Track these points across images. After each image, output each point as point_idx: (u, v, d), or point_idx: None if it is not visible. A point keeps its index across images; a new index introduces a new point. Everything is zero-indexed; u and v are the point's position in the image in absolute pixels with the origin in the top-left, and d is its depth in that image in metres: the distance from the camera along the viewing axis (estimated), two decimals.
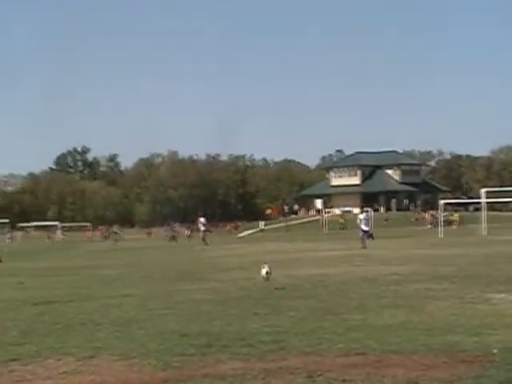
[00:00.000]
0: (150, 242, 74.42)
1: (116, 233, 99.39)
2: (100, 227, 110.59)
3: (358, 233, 42.18)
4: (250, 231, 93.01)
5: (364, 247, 38.25)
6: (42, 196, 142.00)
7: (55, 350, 10.52)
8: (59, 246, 70.99)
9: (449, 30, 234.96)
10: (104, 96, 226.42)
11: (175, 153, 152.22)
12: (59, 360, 9.78)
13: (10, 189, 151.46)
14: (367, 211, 46.50)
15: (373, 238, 42.42)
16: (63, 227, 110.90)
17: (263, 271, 18.42)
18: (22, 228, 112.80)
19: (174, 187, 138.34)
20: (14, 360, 9.88)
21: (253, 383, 7.96)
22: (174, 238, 70.75)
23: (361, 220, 41.56)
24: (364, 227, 40.92)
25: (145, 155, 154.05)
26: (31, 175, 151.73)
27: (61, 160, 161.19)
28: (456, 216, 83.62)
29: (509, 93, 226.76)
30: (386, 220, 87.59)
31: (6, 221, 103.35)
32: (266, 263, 18.85)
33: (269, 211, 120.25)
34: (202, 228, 55.42)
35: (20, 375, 8.96)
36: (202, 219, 55.37)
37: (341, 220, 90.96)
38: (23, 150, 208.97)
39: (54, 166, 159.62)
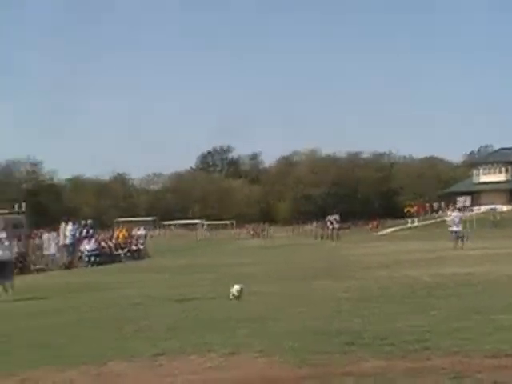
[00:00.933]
0: (294, 240, 74.50)
1: (264, 230, 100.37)
2: (247, 225, 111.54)
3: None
4: (391, 229, 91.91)
5: (456, 247, 36.46)
6: (185, 194, 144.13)
7: (199, 346, 10.67)
8: (203, 244, 71.99)
9: None
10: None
11: (315, 151, 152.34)
12: (203, 356, 9.93)
13: (154, 187, 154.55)
14: (460, 210, 42.83)
15: (462, 240, 37.82)
16: (207, 225, 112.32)
17: (233, 290, 16.71)
18: (166, 226, 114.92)
19: (314, 185, 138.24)
20: (160, 355, 10.10)
21: (396, 382, 7.87)
22: (323, 236, 70.11)
23: (453, 219, 38.99)
24: (455, 227, 38.32)
25: (286, 153, 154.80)
26: (175, 174, 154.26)
27: (204, 159, 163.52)
28: None
29: None
30: (494, 222, 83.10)
31: (152, 218, 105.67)
32: (237, 284, 17.06)
33: (410, 209, 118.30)
34: (336, 226, 55.30)
35: (166, 370, 9.14)
36: (333, 217, 55.31)
37: (492, 218, 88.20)
38: (168, 150, 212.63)
39: (197, 165, 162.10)
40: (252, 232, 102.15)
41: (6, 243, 20.71)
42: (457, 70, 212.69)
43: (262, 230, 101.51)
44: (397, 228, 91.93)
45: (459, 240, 37.02)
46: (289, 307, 14.79)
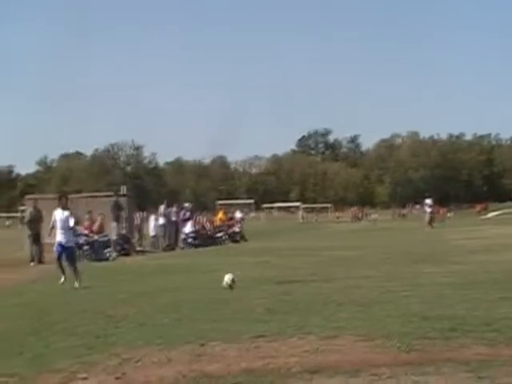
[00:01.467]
0: (395, 223, 73.94)
1: (364, 214, 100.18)
2: (347, 208, 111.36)
3: None
4: (495, 213, 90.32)
5: None
6: (284, 177, 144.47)
7: (298, 328, 10.67)
8: (302, 227, 72.02)
9: None
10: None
11: (416, 133, 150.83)
12: (302, 338, 9.92)
13: (254, 171, 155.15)
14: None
15: None
16: (305, 208, 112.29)
17: (226, 279, 16.00)
18: (266, 208, 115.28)
19: (414, 168, 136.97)
20: (259, 337, 10.13)
21: (501, 370, 7.73)
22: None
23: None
24: None
25: (385, 136, 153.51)
26: (274, 157, 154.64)
27: (303, 142, 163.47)
28: None
29: None
30: None
31: (251, 201, 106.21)
32: (230, 273, 16.42)
33: None
34: (429, 210, 54.59)
35: (265, 351, 9.17)
36: (428, 201, 54.60)
37: None
38: (267, 133, 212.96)
39: (296, 148, 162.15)
40: (353, 215, 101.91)
41: (72, 229, 19.90)
42: None
43: (363, 214, 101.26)
44: (502, 212, 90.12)
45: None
46: (391, 292, 14.67)
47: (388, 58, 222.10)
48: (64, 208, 19.55)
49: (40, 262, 28.00)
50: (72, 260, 19.29)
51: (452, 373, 7.67)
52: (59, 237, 19.21)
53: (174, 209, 39.50)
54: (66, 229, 19.30)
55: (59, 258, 19.20)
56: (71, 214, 19.64)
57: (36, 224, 29.39)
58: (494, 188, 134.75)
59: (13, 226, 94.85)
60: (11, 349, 9.83)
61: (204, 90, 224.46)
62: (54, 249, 19.49)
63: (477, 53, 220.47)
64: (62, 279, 19.00)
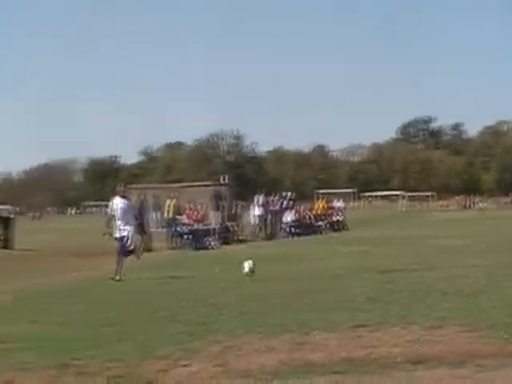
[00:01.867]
0: (503, 212, 72.72)
1: (471, 202, 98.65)
2: (452, 197, 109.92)
3: None
4: None
5: None
6: (385, 165, 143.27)
7: (400, 317, 10.60)
8: (404, 216, 71.40)
9: None
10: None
11: None
12: (404, 328, 9.84)
13: (355, 159, 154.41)
14: None
15: None
16: (407, 196, 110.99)
17: (246, 267, 15.64)
18: (366, 197, 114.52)
19: None
20: (361, 326, 10.09)
21: None
22: None
23: None
24: None
25: (491, 123, 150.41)
26: (375, 145, 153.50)
27: (405, 129, 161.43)
28: None
29: None
30: None
31: (351, 191, 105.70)
32: (250, 259, 16.01)
33: None
34: None
35: (367, 341, 9.11)
36: None
37: None
38: (367, 121, 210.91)
39: (397, 136, 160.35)
40: (459, 204, 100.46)
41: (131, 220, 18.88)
42: None
43: (470, 202, 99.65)
44: None
45: None
46: (498, 281, 14.43)
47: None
48: (124, 197, 18.91)
49: (148, 250, 28.31)
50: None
51: None
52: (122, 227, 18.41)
53: (275, 198, 39.52)
54: (125, 218, 18.54)
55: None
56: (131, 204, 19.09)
57: (142, 213, 29.71)
58: None
59: None
60: (116, 335, 9.98)
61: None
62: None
63: None
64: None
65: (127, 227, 18.45)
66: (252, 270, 14.75)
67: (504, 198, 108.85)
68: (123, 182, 19.48)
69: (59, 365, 8.28)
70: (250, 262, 14.95)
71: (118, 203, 18.57)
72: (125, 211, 18.58)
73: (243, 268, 14.86)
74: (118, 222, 18.38)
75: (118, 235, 18.41)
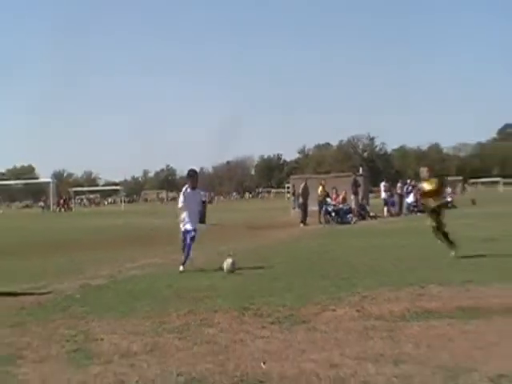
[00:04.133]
0: None
1: None
2: None
3: None
4: None
5: None
6: (487, 160, 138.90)
7: (502, 278, 10.30)
8: (502, 197, 68.72)
9: None
10: None
11: None
12: (503, 287, 9.53)
13: (462, 154, 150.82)
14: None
15: None
16: (505, 183, 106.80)
17: (224, 265, 12.34)
18: (472, 183, 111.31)
19: None
20: (468, 282, 9.88)
21: None
22: None
23: None
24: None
25: None
26: (479, 144, 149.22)
27: (504, 130, 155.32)
28: None
29: None
30: None
31: (460, 177, 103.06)
32: (230, 255, 12.83)
33: None
34: None
35: (473, 294, 8.93)
36: None
37: None
38: (470, 123, 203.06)
39: (497, 136, 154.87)
40: None
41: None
42: None
43: None
44: None
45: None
46: None
47: None
48: (194, 188, 13.42)
49: (305, 224, 28.63)
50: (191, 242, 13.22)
51: None
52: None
53: (399, 184, 39.04)
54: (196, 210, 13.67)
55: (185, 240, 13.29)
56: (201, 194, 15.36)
57: (306, 196, 30.23)
58: None
59: (279, 199, 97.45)
60: (283, 288, 10.09)
61: None
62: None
63: None
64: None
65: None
66: (231, 270, 12.16)
67: None
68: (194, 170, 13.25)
69: (241, 308, 8.48)
70: (229, 260, 12.28)
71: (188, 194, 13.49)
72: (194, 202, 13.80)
73: (223, 267, 12.28)
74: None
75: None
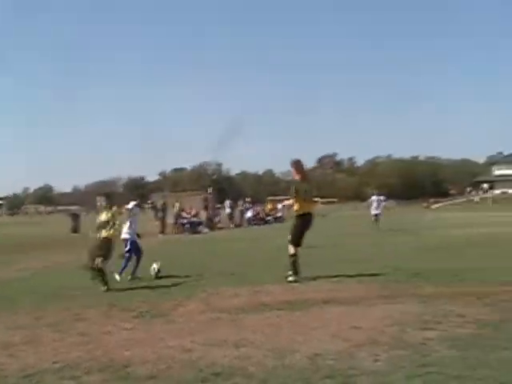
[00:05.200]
0: None
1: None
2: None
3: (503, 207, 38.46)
4: (441, 204, 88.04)
5: (373, 227, 24.80)
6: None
7: (319, 276, 10.65)
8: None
9: None
10: None
11: None
12: (321, 283, 9.91)
13: (289, 178, 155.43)
14: (380, 195, 27.12)
15: (377, 221, 25.44)
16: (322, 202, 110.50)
17: (152, 268, 11.51)
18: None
19: None
20: (295, 281, 10.08)
21: (442, 301, 7.66)
22: None
23: (371, 202, 26.33)
24: (374, 211, 25.73)
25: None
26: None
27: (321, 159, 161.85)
28: None
29: None
30: None
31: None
32: (155, 261, 11.77)
33: (452, 191, 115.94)
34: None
35: (299, 290, 9.17)
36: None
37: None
38: (294, 153, 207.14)
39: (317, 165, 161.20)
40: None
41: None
42: None
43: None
44: (446, 203, 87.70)
45: (376, 221, 25.42)
46: (379, 247, 14.55)
47: None
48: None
49: (164, 234, 28.47)
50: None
51: (413, 302, 7.62)
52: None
53: (240, 202, 39.73)
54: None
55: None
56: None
57: (164, 210, 30.42)
58: (440, 189, 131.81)
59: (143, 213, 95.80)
60: (144, 286, 9.93)
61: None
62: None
63: None
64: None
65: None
66: (156, 272, 11.39)
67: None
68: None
69: (109, 304, 8.36)
70: (157, 264, 11.51)
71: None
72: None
73: (151, 269, 11.42)
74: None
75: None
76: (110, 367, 5.29)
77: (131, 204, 12.46)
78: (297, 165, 10.67)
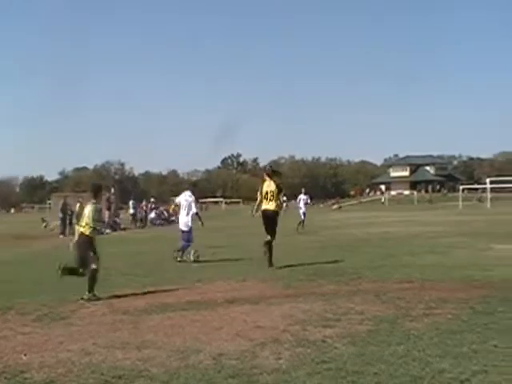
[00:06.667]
0: None
1: None
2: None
3: (401, 207, 40.36)
4: (340, 204, 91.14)
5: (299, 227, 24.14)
6: (214, 182, 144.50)
7: (221, 276, 10.70)
8: (223, 214, 71.48)
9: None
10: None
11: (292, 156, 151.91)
12: (224, 282, 9.96)
13: (194, 178, 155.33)
14: (306, 194, 26.60)
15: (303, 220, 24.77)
16: (225, 202, 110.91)
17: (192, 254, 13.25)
18: (202, 203, 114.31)
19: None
20: (198, 281, 10.14)
21: (342, 299, 7.89)
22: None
23: (300, 200, 25.86)
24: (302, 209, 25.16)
25: (275, 157, 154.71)
26: (207, 171, 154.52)
27: (224, 161, 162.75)
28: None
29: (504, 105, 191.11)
30: (429, 201, 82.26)
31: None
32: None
33: (352, 192, 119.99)
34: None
35: (201, 290, 9.18)
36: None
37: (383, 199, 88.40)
38: (202, 154, 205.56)
39: (221, 165, 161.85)
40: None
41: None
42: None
43: None
44: (348, 204, 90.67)
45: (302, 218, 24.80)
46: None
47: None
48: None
49: (65, 235, 27.46)
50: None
51: (314, 300, 7.79)
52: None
53: (144, 202, 39.19)
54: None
55: None
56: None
57: (65, 211, 29.33)
58: (339, 190, 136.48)
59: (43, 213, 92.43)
60: (44, 289, 9.57)
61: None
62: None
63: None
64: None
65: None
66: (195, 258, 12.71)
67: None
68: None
69: (4, 307, 7.97)
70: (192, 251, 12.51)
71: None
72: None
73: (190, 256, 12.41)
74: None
75: None
76: (5, 373, 5.05)
77: None
78: (267, 171, 12.87)
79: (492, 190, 64.58)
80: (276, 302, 7.80)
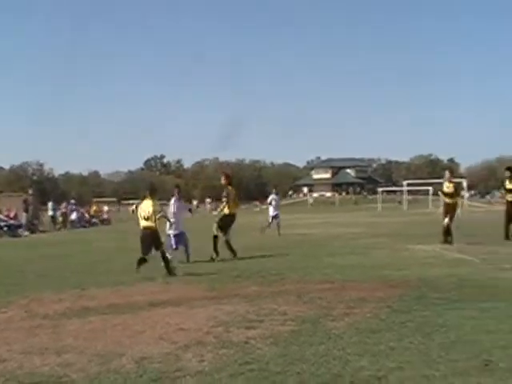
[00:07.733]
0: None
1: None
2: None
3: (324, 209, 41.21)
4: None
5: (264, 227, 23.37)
6: (136, 185, 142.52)
7: (146, 278, 10.58)
8: None
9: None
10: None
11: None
12: (149, 285, 9.87)
13: (116, 179, 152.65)
14: (277, 193, 25.49)
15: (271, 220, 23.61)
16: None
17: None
18: (125, 204, 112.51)
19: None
20: (121, 284, 9.97)
21: (265, 300, 7.95)
22: None
23: (271, 201, 24.22)
24: (273, 211, 23.71)
25: (198, 159, 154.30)
26: (129, 172, 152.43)
27: (147, 162, 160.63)
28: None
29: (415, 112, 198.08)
30: (355, 203, 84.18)
31: (114, 199, 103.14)
32: None
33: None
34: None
35: (124, 293, 9.03)
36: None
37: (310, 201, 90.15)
38: (124, 155, 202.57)
39: (143, 166, 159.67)
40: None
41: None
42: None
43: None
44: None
45: (276, 224, 23.08)
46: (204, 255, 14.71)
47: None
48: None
49: None
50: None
51: (238, 302, 7.82)
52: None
53: (64, 204, 38.16)
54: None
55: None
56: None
57: None
58: (262, 192, 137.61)
59: None
60: None
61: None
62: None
63: None
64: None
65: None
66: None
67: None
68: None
69: None
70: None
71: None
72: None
73: None
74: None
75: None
76: None
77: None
78: (227, 175, 14.18)
79: (409, 192, 67.00)
80: (199, 305, 7.79)
